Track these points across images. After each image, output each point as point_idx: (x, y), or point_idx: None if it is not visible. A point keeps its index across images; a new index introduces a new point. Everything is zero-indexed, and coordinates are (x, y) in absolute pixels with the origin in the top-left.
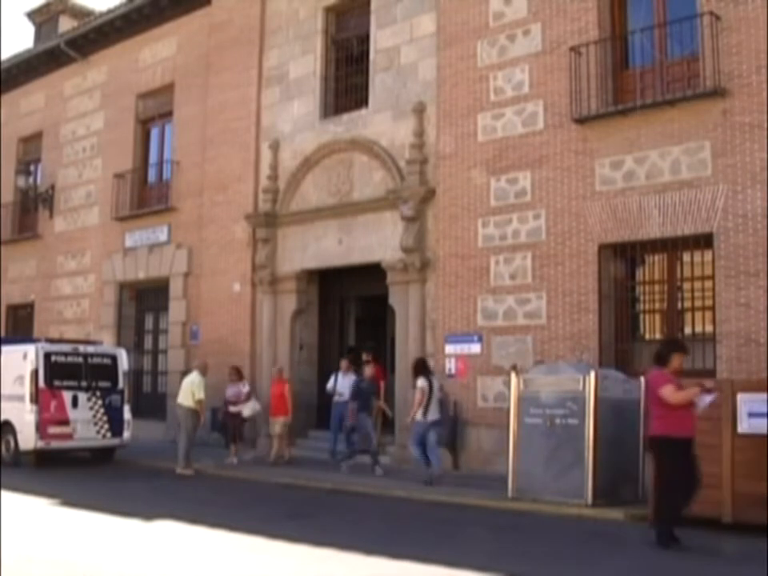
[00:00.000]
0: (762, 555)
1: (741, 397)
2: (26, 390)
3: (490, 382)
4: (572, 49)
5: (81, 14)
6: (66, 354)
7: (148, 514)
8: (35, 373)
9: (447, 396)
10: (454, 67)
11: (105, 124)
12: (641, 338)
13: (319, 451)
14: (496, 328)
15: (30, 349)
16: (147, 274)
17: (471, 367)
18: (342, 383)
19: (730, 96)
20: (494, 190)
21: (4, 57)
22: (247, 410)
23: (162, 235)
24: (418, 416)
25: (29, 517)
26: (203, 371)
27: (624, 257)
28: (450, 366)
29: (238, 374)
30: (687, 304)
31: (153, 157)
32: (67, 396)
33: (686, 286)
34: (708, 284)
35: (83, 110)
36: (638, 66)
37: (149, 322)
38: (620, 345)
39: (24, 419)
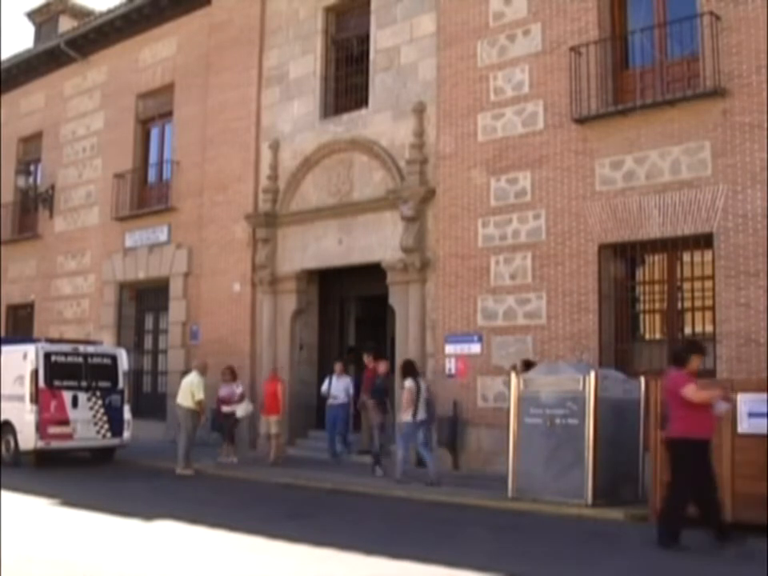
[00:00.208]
0: (762, 555)
1: (741, 397)
2: (26, 390)
3: (489, 381)
4: (572, 49)
5: (81, 14)
6: (66, 354)
7: (148, 514)
8: (35, 373)
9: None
10: (453, 67)
11: (105, 124)
12: (641, 338)
13: (319, 451)
14: (496, 328)
15: (30, 349)
16: (147, 274)
17: (471, 367)
18: (336, 386)
19: (730, 96)
20: (494, 190)
21: (4, 57)
22: (240, 410)
23: (162, 235)
24: (408, 417)
25: (29, 517)
26: (203, 371)
27: (624, 257)
28: (450, 366)
29: (232, 374)
30: (687, 304)
31: (153, 157)
32: (67, 396)
33: (686, 285)
34: (708, 284)
35: (83, 110)
36: (638, 65)
37: (149, 322)
38: (620, 345)
39: (24, 419)
